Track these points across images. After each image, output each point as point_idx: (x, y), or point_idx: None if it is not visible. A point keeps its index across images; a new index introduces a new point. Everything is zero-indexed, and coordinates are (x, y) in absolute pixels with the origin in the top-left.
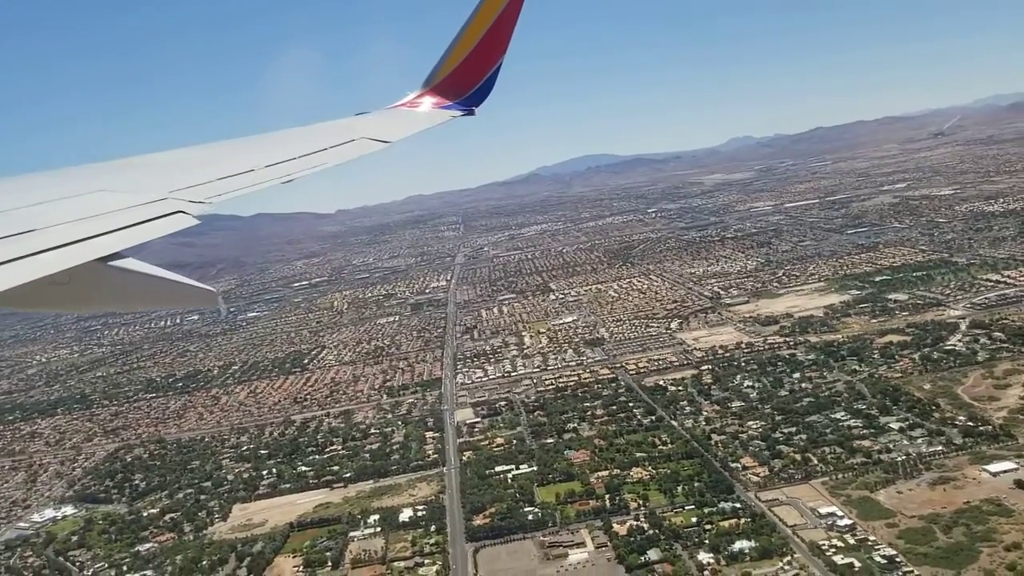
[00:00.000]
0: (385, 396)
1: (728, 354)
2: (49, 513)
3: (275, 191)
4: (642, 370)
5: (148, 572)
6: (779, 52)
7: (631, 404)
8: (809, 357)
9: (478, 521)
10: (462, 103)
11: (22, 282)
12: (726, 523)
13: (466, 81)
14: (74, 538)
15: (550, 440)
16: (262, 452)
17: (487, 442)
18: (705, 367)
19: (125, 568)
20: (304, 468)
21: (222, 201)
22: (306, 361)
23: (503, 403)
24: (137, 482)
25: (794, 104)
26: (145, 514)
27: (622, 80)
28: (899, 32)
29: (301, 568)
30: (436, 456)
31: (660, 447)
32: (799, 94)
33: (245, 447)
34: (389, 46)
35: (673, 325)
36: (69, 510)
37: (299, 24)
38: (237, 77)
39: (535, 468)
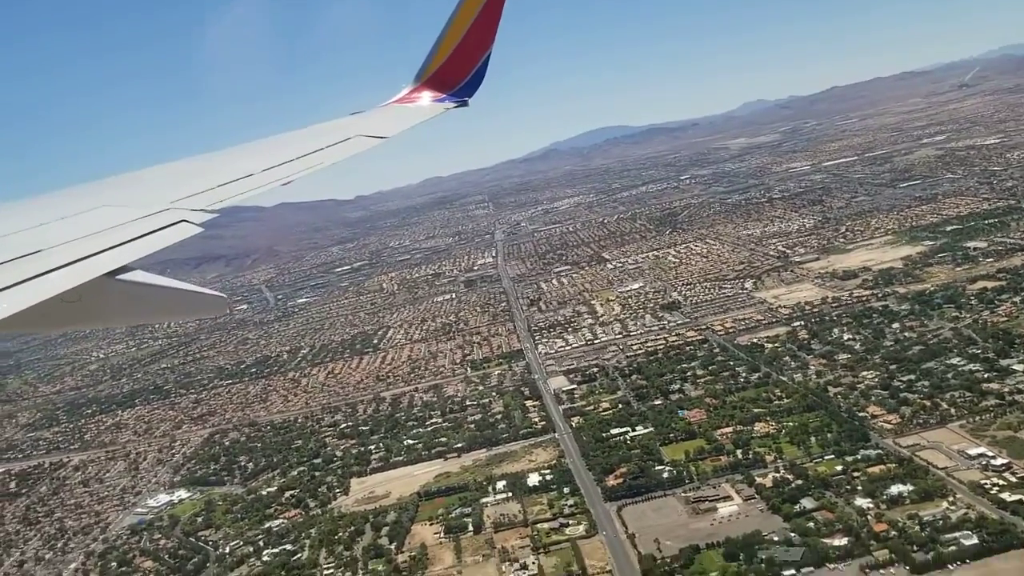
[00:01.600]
0: (469, 369)
1: (816, 309)
2: (164, 497)
3: (302, 180)
4: (730, 330)
5: (287, 546)
6: (788, 15)
7: (731, 363)
8: (903, 307)
9: (611, 482)
10: (455, 95)
11: (32, 303)
12: (874, 469)
13: (457, 73)
14: (199, 519)
15: (658, 402)
16: (362, 429)
17: (592, 407)
18: (797, 323)
19: (261, 544)
20: (410, 441)
21: (223, 207)
22: (375, 341)
23: (595, 370)
24: (244, 464)
25: (806, 65)
26: (264, 493)
27: (631, 51)
28: None
29: (442, 534)
30: (543, 423)
31: (776, 402)
32: (810, 55)
33: (343, 425)
34: (378, 43)
35: (747, 285)
36: (183, 494)
37: (287, 27)
38: (230, 86)
39: (651, 429)
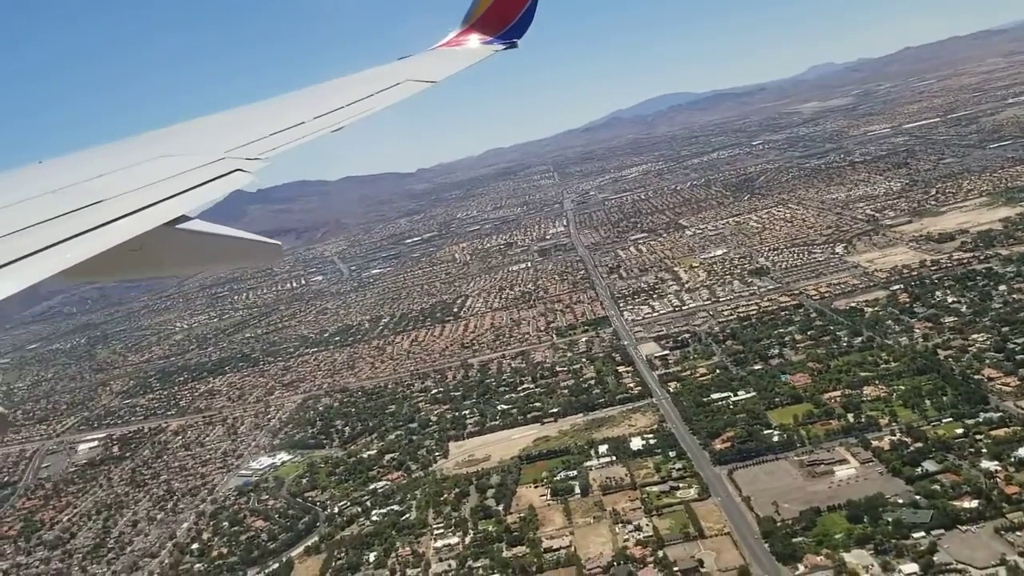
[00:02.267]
0: (555, 336)
1: (915, 273)
2: (265, 460)
3: (355, 155)
4: (825, 295)
5: (394, 507)
6: None
7: (831, 327)
8: (1008, 270)
9: (718, 445)
10: (503, 37)
11: (96, 252)
12: (998, 432)
13: (505, 14)
14: (303, 481)
15: (757, 367)
16: (454, 394)
17: (688, 372)
18: (896, 287)
19: (368, 504)
20: (504, 406)
21: (277, 155)
22: (455, 310)
23: (687, 335)
24: (340, 428)
25: (875, 27)
26: (365, 456)
27: (692, 16)
28: None
29: (549, 496)
30: (639, 388)
31: (884, 366)
32: (879, 16)
33: (435, 390)
34: None
35: (838, 250)
36: (284, 457)
37: None
38: (281, 34)
39: (753, 394)
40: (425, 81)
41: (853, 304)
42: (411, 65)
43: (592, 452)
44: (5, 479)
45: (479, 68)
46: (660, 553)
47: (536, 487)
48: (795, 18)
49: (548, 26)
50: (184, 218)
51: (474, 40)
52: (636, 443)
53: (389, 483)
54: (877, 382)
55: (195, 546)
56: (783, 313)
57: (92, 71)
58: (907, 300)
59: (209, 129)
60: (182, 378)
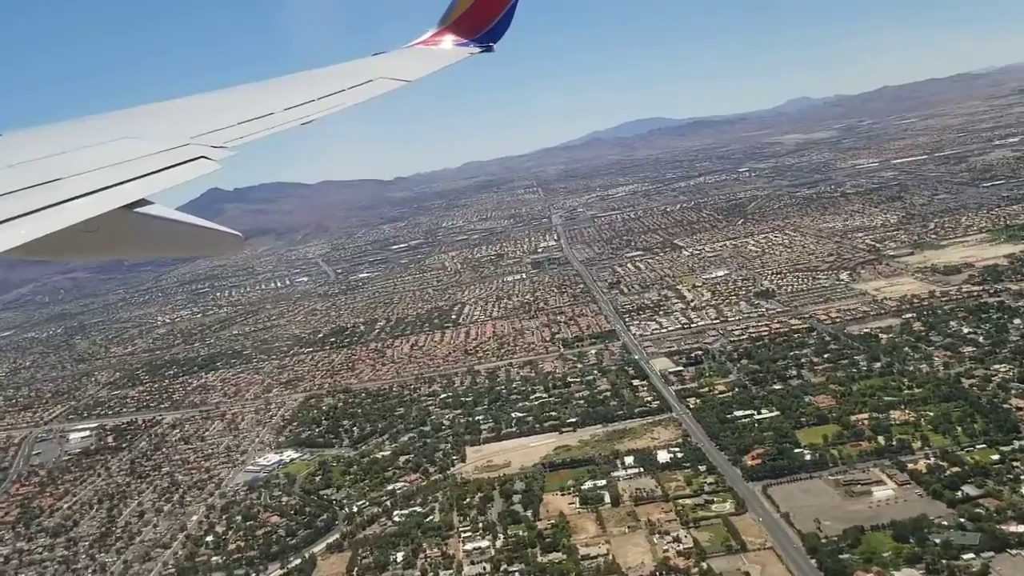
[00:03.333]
0: (562, 348)
1: (925, 303)
2: (273, 457)
3: (333, 159)
4: (836, 320)
5: (416, 508)
6: (834, 14)
7: (847, 351)
8: (1020, 303)
9: (748, 462)
10: (480, 40)
11: (51, 231)
12: None
13: (483, 17)
14: (317, 479)
15: (777, 386)
16: (464, 400)
17: (706, 389)
18: (907, 315)
19: (389, 504)
20: (518, 414)
21: (243, 144)
22: (453, 317)
23: (698, 352)
24: (349, 428)
25: (852, 64)
26: (379, 456)
27: (672, 44)
28: None
29: (578, 504)
30: (657, 402)
31: (907, 391)
32: (857, 55)
33: (443, 395)
34: None
35: (843, 276)
36: (292, 454)
37: None
38: (251, 19)
39: (777, 413)
40: (399, 79)
41: (867, 330)
42: (385, 62)
43: (618, 463)
44: None
45: (459, 79)
46: (704, 565)
47: (563, 495)
48: (773, 51)
49: (528, 44)
50: (144, 202)
51: (450, 41)
52: (663, 456)
53: (407, 484)
54: (903, 407)
55: (209, 539)
56: (796, 335)
57: (61, 45)
58: (922, 329)
59: (174, 113)
60: (171, 372)
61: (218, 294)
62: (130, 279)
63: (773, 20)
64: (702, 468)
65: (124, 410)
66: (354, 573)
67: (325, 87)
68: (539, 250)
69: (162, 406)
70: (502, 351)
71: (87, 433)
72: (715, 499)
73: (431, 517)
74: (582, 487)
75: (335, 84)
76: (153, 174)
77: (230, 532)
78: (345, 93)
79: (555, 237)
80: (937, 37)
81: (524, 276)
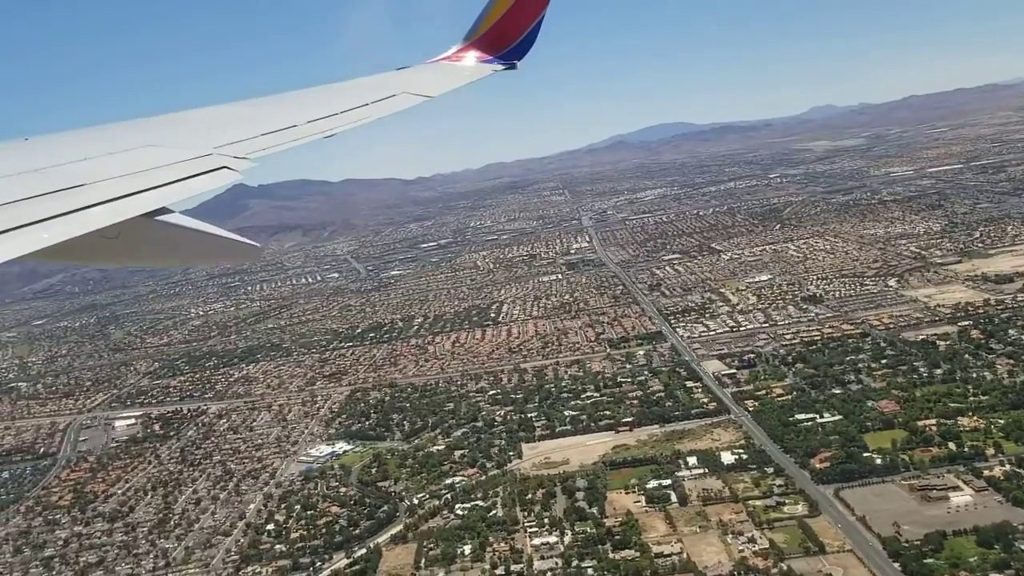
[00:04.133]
0: (608, 348)
1: (981, 311)
2: (325, 448)
3: (355, 158)
4: (889, 326)
5: (478, 502)
6: (860, 23)
7: (906, 358)
8: None
9: (817, 465)
10: (504, 57)
11: (74, 235)
12: None
13: (508, 34)
14: (372, 471)
15: (836, 391)
16: (514, 397)
17: (763, 392)
18: (963, 323)
19: (449, 498)
20: (571, 412)
21: (265, 156)
22: (492, 315)
23: (750, 355)
24: (398, 421)
25: (877, 73)
26: (433, 450)
27: (696, 47)
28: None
29: (644, 503)
30: (714, 404)
31: (972, 398)
32: (882, 64)
33: (491, 391)
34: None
35: (891, 283)
36: (344, 446)
37: None
38: (278, 31)
39: (839, 417)
40: (422, 95)
41: (923, 336)
42: (408, 77)
43: (681, 463)
44: (42, 450)
45: (481, 81)
46: (784, 566)
47: (627, 493)
48: (798, 59)
49: (552, 46)
50: (165, 210)
51: (473, 57)
52: (727, 457)
53: (465, 479)
54: (971, 413)
55: (270, 527)
56: (850, 341)
57: (88, 52)
58: (980, 336)
59: (198, 123)
60: (211, 363)
61: (249, 288)
62: (159, 272)
63: (798, 28)
64: (769, 470)
65: (167, 399)
66: (421, 564)
67: (348, 101)
68: (572, 251)
69: (206, 396)
70: (547, 350)
71: (132, 421)
72: (786, 501)
73: (494, 511)
74: (647, 486)
75: (358, 98)
76: (174, 183)
77: (291, 521)
78: (369, 107)
79: (587, 239)
80: (963, 48)
81: (560, 276)
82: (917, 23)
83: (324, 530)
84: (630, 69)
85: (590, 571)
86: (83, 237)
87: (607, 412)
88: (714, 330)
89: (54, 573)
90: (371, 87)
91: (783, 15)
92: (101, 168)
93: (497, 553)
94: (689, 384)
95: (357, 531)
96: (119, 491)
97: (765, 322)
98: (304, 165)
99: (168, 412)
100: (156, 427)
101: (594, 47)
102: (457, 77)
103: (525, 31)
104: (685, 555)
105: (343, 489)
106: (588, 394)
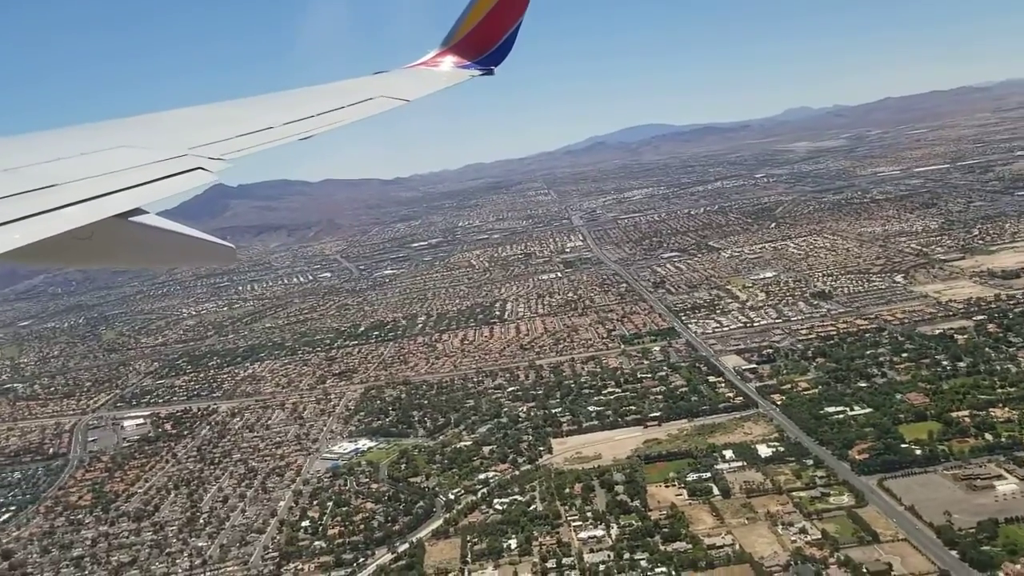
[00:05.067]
0: (622, 344)
1: (993, 305)
2: (348, 445)
3: (346, 155)
4: (903, 321)
5: (516, 497)
6: (832, 26)
7: (926, 351)
8: None
9: (856, 456)
10: (481, 62)
11: (45, 236)
12: None
13: (485, 40)
14: (402, 467)
15: (862, 384)
16: (534, 393)
17: (788, 386)
18: (978, 317)
19: (486, 493)
20: (594, 408)
21: (241, 157)
22: (497, 313)
23: (768, 350)
24: (419, 418)
25: (851, 76)
26: (460, 446)
27: (671, 49)
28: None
29: (686, 495)
30: (740, 398)
31: (1000, 390)
32: (855, 66)
33: (509, 388)
34: (406, 5)
35: (898, 279)
36: (367, 443)
37: None
38: (253, 34)
39: (870, 410)
40: (398, 99)
41: (939, 331)
42: (385, 81)
43: (716, 456)
44: (52, 451)
45: (457, 86)
46: (840, 555)
47: (667, 486)
48: (773, 61)
49: (529, 47)
50: (139, 211)
51: (451, 63)
52: (764, 450)
53: (498, 474)
54: (1002, 405)
55: (304, 524)
56: (866, 335)
57: (62, 53)
58: (998, 330)
59: (173, 124)
60: (214, 362)
61: (240, 288)
62: (144, 272)
63: (773, 30)
64: (808, 462)
65: (174, 399)
66: (468, 559)
67: (325, 103)
68: (567, 250)
69: (214, 395)
70: (559, 347)
71: (141, 421)
72: (831, 492)
73: (534, 506)
74: (686, 479)
75: (335, 101)
76: (148, 184)
77: (325, 518)
78: (344, 110)
79: (580, 238)
80: (936, 51)
81: (559, 275)
82: (890, 26)
83: (362, 526)
84: (607, 70)
85: (643, 563)
86: (56, 238)
87: (632, 407)
88: (727, 326)
89: (86, 573)
90: (348, 90)
91: (758, 17)
92: (74, 168)
93: (544, 547)
94: (711, 379)
95: (397, 527)
96: (140, 490)
97: (778, 318)
98: (283, 165)
99: (177, 411)
100: (167, 426)
101: (571, 48)
102: (434, 81)
103: (503, 37)
104: (738, 546)
105: (374, 485)
106: (609, 390)
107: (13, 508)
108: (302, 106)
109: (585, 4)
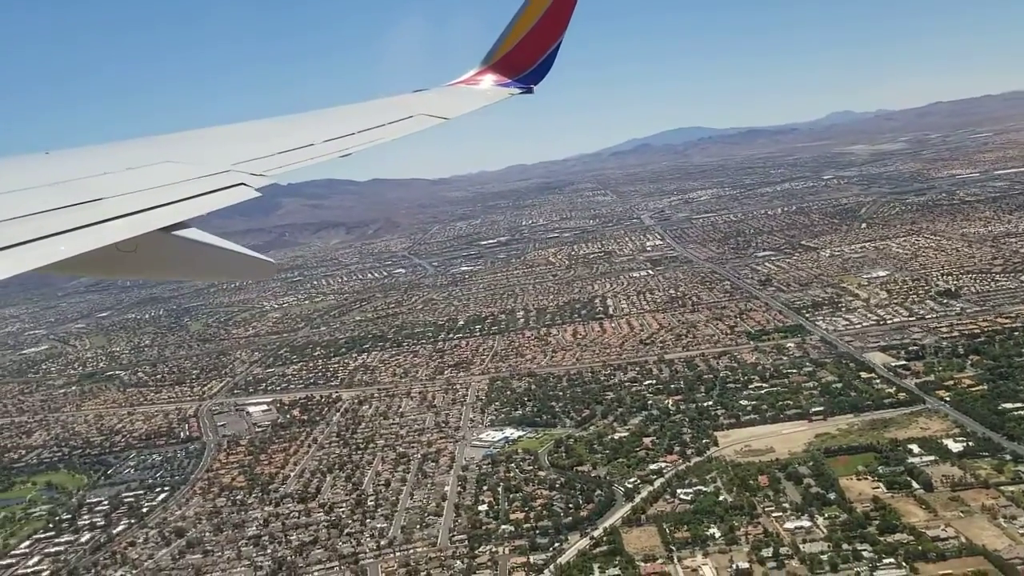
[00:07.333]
0: (750, 340)
1: None
2: (495, 434)
3: (386, 156)
4: None
5: (700, 487)
6: (875, 32)
7: None
8: None
9: None
10: (521, 80)
11: (91, 248)
12: None
13: (526, 58)
14: (562, 456)
15: None
16: (675, 386)
17: (952, 382)
18: None
19: (664, 483)
20: (746, 402)
21: (282, 174)
22: (600, 308)
23: (915, 348)
24: (558, 409)
25: (893, 80)
26: (616, 436)
27: (711, 52)
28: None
29: (883, 489)
30: (902, 394)
31: None
32: (901, 71)
33: (646, 381)
34: (453, 24)
35: None
36: (514, 432)
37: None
38: (297, 51)
39: None
40: (438, 117)
41: None
42: (425, 99)
43: (903, 451)
44: (183, 435)
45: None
46: None
47: (859, 479)
48: (815, 66)
49: (567, 51)
50: (182, 225)
51: (490, 80)
52: (954, 445)
53: (668, 465)
54: None
55: (482, 508)
56: (1015, 334)
57: (111, 71)
58: None
59: (216, 140)
60: (318, 352)
61: (315, 283)
62: None
63: (814, 35)
64: (1006, 457)
65: (290, 387)
66: (672, 547)
67: (366, 120)
68: (648, 248)
69: (331, 384)
70: (683, 342)
71: (266, 407)
72: None
73: (722, 497)
74: (879, 473)
75: (375, 118)
76: (192, 198)
77: (502, 502)
78: (385, 128)
79: (658, 237)
80: (984, 58)
81: (650, 272)
82: (935, 32)
83: (545, 512)
84: (647, 74)
85: (865, 554)
86: (101, 250)
87: (789, 402)
88: (857, 323)
89: (268, 550)
90: (388, 108)
91: (798, 22)
92: (119, 182)
93: (752, 536)
94: (863, 375)
95: (583, 513)
96: (291, 474)
97: (910, 316)
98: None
99: (300, 399)
100: (295, 413)
101: (611, 52)
102: (474, 100)
103: (543, 56)
104: (963, 539)
105: (541, 472)
106: (756, 384)
107: (168, 488)
108: (342, 123)
109: (624, 9)
